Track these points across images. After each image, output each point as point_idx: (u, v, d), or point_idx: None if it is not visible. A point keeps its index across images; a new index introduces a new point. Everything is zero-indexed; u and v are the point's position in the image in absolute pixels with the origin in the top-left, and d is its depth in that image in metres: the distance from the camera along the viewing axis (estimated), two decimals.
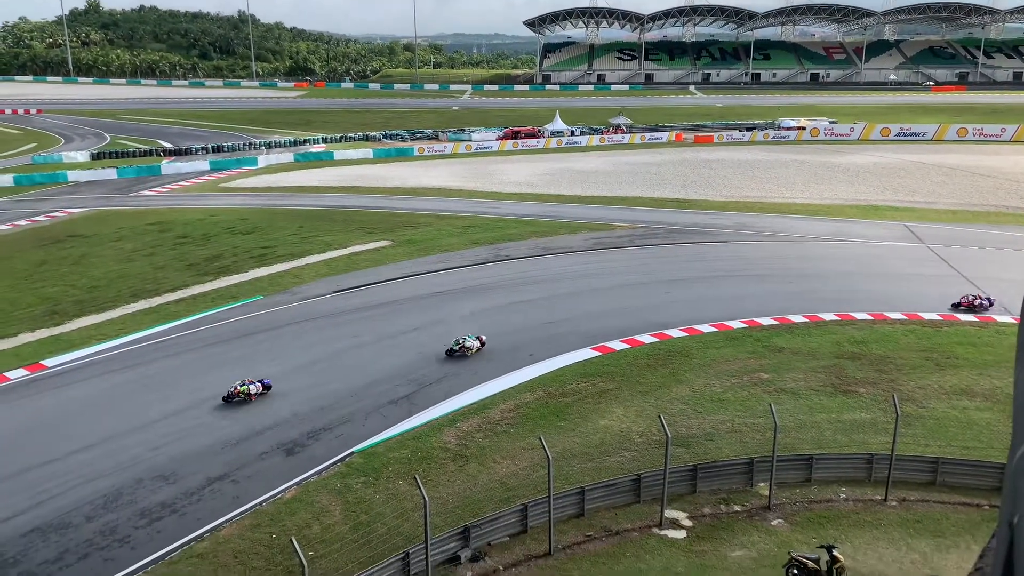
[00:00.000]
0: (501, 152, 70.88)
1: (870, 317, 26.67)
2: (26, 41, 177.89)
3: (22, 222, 43.90)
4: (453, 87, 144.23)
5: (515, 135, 75.21)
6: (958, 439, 18.50)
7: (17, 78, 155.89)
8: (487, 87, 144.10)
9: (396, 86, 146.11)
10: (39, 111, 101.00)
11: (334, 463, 17.96)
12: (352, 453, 18.36)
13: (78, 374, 23.21)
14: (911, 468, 16.93)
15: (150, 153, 68.47)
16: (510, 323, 26.53)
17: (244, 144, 71.84)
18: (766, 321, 26.37)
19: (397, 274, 32.51)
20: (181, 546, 15.14)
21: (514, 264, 33.94)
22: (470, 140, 74.37)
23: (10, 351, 25.09)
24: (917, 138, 74.09)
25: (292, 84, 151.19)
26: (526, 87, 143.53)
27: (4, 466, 17.99)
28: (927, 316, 26.72)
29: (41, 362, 23.93)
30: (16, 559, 14.78)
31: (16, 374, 23.12)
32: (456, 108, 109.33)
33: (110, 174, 58.58)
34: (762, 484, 16.85)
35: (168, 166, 61.55)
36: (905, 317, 26.66)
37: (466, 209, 45.42)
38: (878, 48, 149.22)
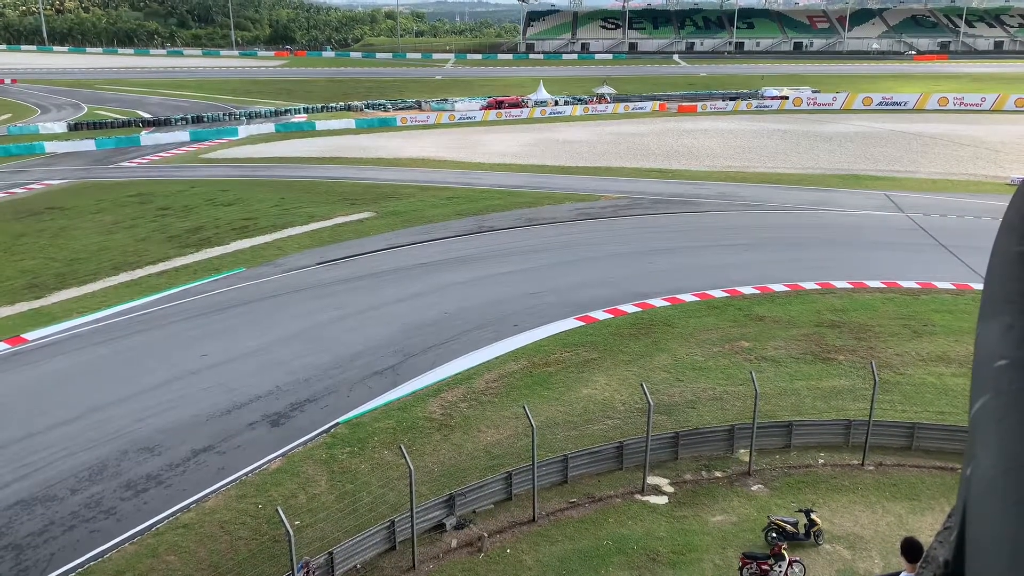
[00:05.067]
0: (485, 122, 70.35)
1: (850, 286, 26.97)
2: None
3: None
4: (436, 56, 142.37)
5: (499, 105, 74.61)
6: (934, 405, 18.86)
7: None
8: (470, 56, 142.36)
9: (378, 55, 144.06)
10: (13, 80, 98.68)
11: (319, 434, 18.05)
12: (337, 424, 18.46)
13: (60, 347, 23.07)
14: (888, 433, 17.28)
15: (129, 124, 67.34)
16: (494, 294, 26.58)
17: (224, 114, 70.84)
18: (747, 290, 26.59)
19: (381, 245, 32.41)
20: (167, 517, 15.23)
21: (498, 235, 33.90)
22: (453, 110, 73.75)
23: None
24: (899, 107, 74.28)
25: (272, 53, 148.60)
26: (510, 56, 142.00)
27: None
28: (905, 284, 27.05)
29: (22, 335, 23.76)
30: (1, 531, 14.82)
31: None
32: (439, 77, 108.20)
33: (88, 145, 57.61)
34: (743, 450, 17.13)
35: (147, 137, 60.63)
36: (884, 285, 26.99)
37: (450, 180, 45.19)
38: (861, 17, 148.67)
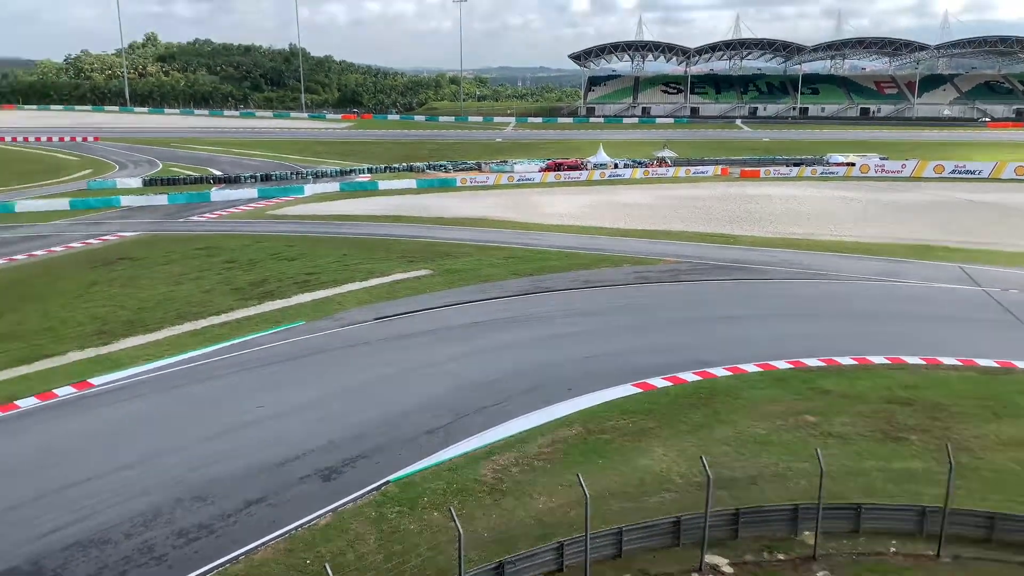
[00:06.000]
0: (543, 184, 71.10)
1: (922, 362, 25.81)
2: (87, 73, 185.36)
3: (76, 244, 45.23)
4: (497, 119, 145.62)
5: (558, 167, 75.40)
6: (1017, 493, 17.66)
7: (77, 108, 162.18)
8: (531, 119, 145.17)
9: (441, 118, 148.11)
10: (96, 138, 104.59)
11: (370, 491, 17.87)
12: (388, 482, 18.26)
13: (124, 393, 23.61)
14: (966, 523, 16.13)
15: (200, 180, 70.24)
16: (549, 356, 26.29)
17: (292, 173, 73.30)
18: (812, 362, 25.71)
19: (437, 303, 32.58)
20: (216, 567, 15.13)
21: (555, 296, 33.77)
22: (512, 171, 74.78)
23: (59, 368, 25.67)
24: (972, 176, 72.21)
25: (340, 116, 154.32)
26: (570, 119, 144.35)
27: (48, 481, 18.29)
28: (983, 363, 25.75)
29: (89, 380, 24.42)
30: (56, 572, 14.93)
31: (64, 391, 23.61)
32: (500, 140, 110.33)
33: (161, 200, 60.21)
34: (807, 532, 16.24)
35: (217, 193, 63.00)
36: (960, 363, 25.74)
37: (507, 240, 45.51)
38: (931, 82, 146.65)
